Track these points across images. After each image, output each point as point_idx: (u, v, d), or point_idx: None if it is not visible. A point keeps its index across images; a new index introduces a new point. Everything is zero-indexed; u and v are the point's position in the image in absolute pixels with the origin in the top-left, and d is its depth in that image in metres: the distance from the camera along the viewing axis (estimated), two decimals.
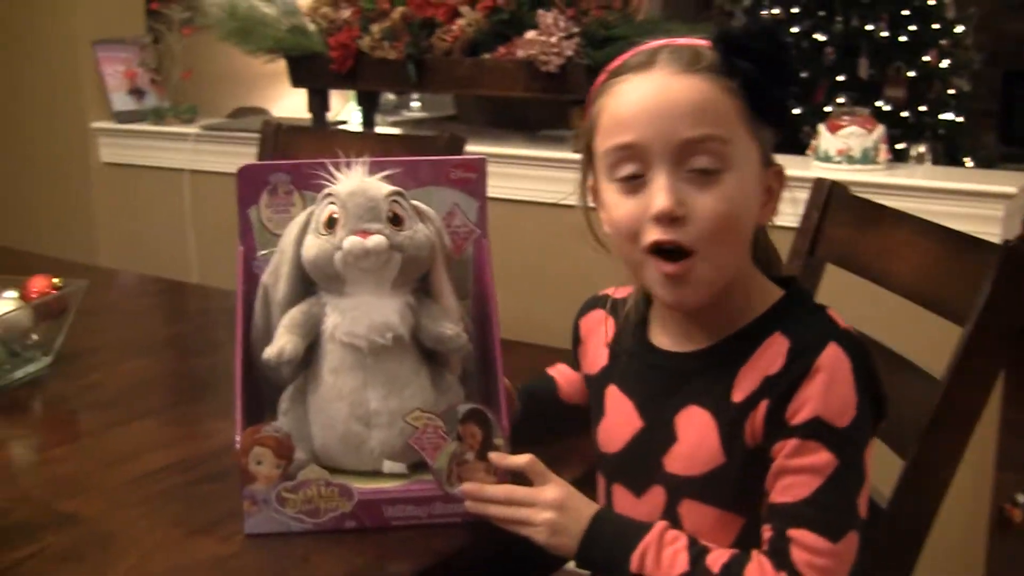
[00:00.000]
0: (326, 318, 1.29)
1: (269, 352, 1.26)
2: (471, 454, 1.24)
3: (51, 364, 1.77)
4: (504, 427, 1.26)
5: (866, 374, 1.08)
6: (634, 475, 1.21)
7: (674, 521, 1.15)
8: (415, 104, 4.69)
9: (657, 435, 1.18)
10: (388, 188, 1.28)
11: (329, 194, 1.28)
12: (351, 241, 1.24)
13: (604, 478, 1.26)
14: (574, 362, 1.36)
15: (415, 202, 1.31)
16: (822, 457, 1.06)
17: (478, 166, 1.37)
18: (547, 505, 1.17)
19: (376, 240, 1.24)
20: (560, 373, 1.42)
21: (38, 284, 1.79)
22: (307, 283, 1.31)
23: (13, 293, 1.76)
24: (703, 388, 1.14)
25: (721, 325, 1.15)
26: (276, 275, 1.32)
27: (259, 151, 2.26)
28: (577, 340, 1.34)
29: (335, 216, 1.26)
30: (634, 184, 1.10)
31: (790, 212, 1.24)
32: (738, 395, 1.11)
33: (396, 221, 1.27)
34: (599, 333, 1.30)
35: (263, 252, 1.37)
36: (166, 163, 3.34)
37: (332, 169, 1.32)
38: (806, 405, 1.06)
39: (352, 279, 1.26)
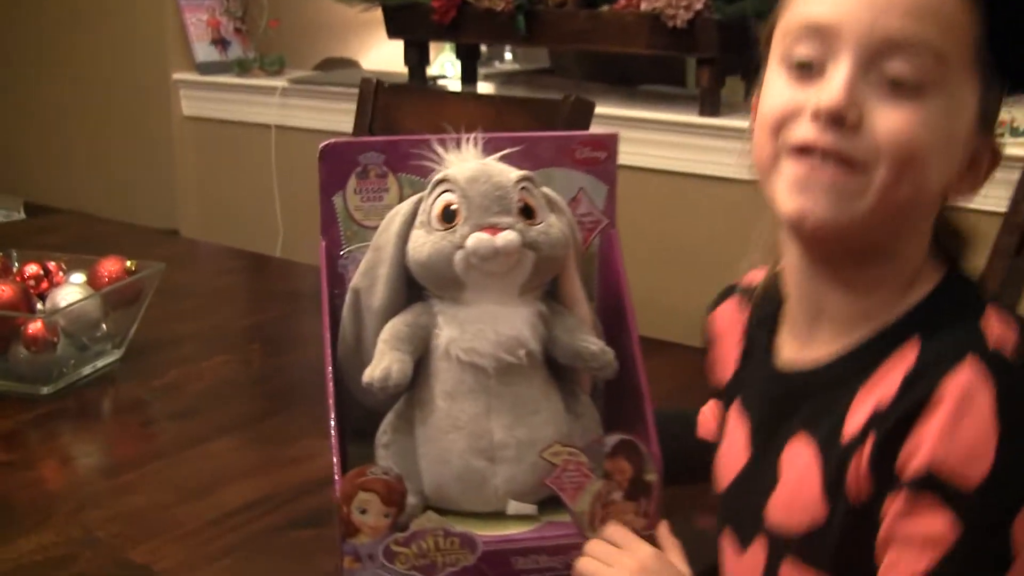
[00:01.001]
0: (438, 331, 1.05)
1: (372, 375, 1.03)
2: (619, 493, 1.02)
3: (122, 358, 1.61)
4: (656, 458, 1.04)
5: (1021, 410, 0.78)
6: (739, 522, 0.99)
7: None
8: (507, 56, 4.26)
9: (762, 473, 0.95)
10: (517, 173, 1.05)
11: (444, 180, 1.04)
12: (477, 239, 1.00)
13: (718, 523, 1.04)
14: (709, 371, 1.13)
15: (546, 189, 1.08)
16: (938, 523, 0.79)
17: (609, 144, 1.14)
18: (626, 568, 0.97)
19: (508, 237, 1.00)
20: (708, 407, 1.18)
21: (110, 267, 1.59)
22: (411, 287, 1.07)
23: (80, 277, 1.59)
24: (816, 413, 0.90)
25: (856, 320, 0.89)
26: (371, 277, 1.08)
27: (356, 113, 1.99)
28: (710, 340, 1.11)
29: (453, 207, 1.02)
30: (807, 73, 0.85)
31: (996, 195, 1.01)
32: (850, 427, 0.85)
33: (527, 213, 1.03)
34: (735, 330, 1.07)
35: (350, 248, 1.13)
36: (251, 118, 3.13)
37: (437, 147, 1.08)
38: (920, 449, 0.79)
39: (474, 284, 1.03)
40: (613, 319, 1.14)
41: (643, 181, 2.35)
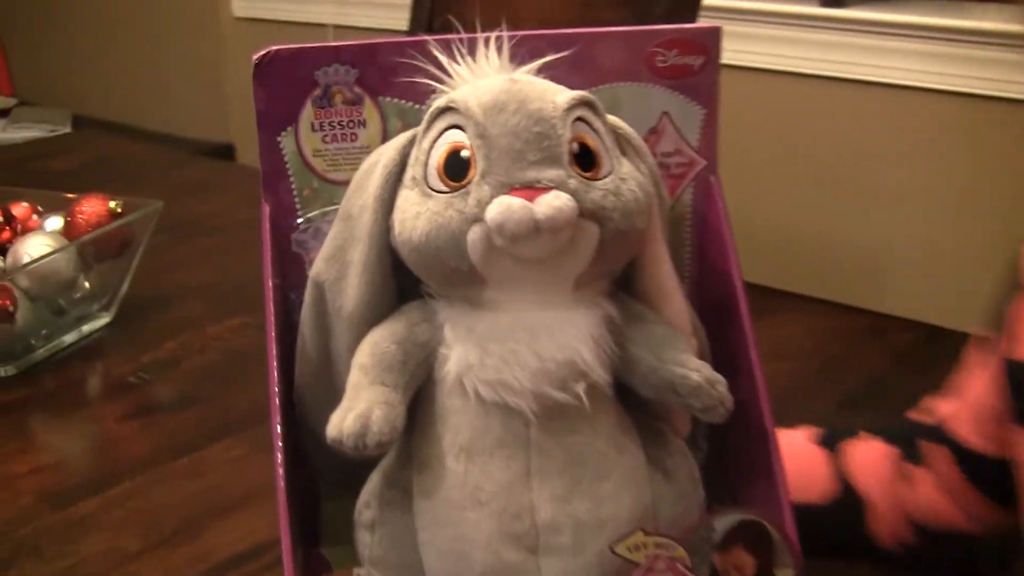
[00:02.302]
0: (446, 351, 0.66)
1: (340, 427, 0.64)
2: None
3: (113, 323, 1.31)
4: (794, 548, 0.65)
5: None
6: None
7: None
8: None
9: None
10: (567, 95, 0.64)
11: (449, 108, 0.64)
12: (505, 206, 0.60)
13: None
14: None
15: (615, 120, 0.67)
16: None
17: (708, 43, 0.73)
18: None
19: (555, 203, 0.60)
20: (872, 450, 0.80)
21: (89, 209, 1.27)
22: (402, 278, 0.67)
23: (58, 222, 1.29)
24: None
25: None
26: (341, 264, 0.68)
27: (412, 6, 1.63)
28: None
29: (465, 154, 0.62)
30: None
31: None
32: None
33: (586, 161, 0.63)
34: None
35: (308, 214, 0.73)
36: (307, 16, 2.81)
37: (439, 53, 0.68)
38: None
39: (501, 278, 0.63)
40: (714, 310, 0.74)
41: (748, 83, 1.90)
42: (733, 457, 0.73)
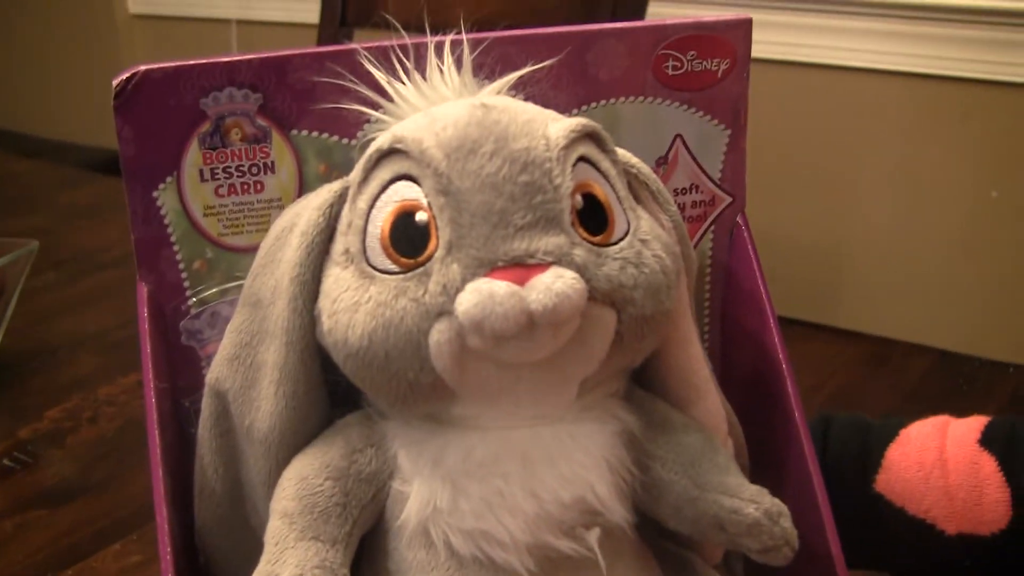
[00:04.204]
0: (400, 485, 0.47)
1: None
2: None
3: None
4: None
5: None
6: None
7: None
8: None
9: None
10: (563, 124, 0.45)
11: (395, 150, 0.44)
12: (483, 294, 0.41)
13: None
14: None
15: (626, 155, 0.48)
16: None
17: (735, 39, 0.54)
18: None
19: (560, 287, 0.41)
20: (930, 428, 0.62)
21: None
22: (334, 379, 0.48)
23: None
24: None
25: None
26: (248, 367, 0.49)
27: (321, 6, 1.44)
28: None
29: (421, 218, 0.43)
30: None
31: None
32: None
33: (596, 220, 0.44)
34: None
35: (201, 294, 0.53)
36: (209, 12, 2.64)
37: (372, 67, 0.48)
38: None
39: (478, 390, 0.44)
40: (746, 392, 0.56)
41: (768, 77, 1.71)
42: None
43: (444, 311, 0.42)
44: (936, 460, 0.60)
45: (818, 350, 1.09)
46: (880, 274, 1.31)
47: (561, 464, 0.46)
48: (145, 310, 0.52)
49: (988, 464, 0.60)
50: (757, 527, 0.47)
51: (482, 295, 0.41)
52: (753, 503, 0.47)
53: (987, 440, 0.61)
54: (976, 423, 0.63)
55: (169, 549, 0.50)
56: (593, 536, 0.46)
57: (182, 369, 0.54)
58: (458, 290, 0.42)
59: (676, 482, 0.48)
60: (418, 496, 0.46)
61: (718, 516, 0.48)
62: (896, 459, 0.61)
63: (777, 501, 0.48)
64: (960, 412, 0.67)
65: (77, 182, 1.80)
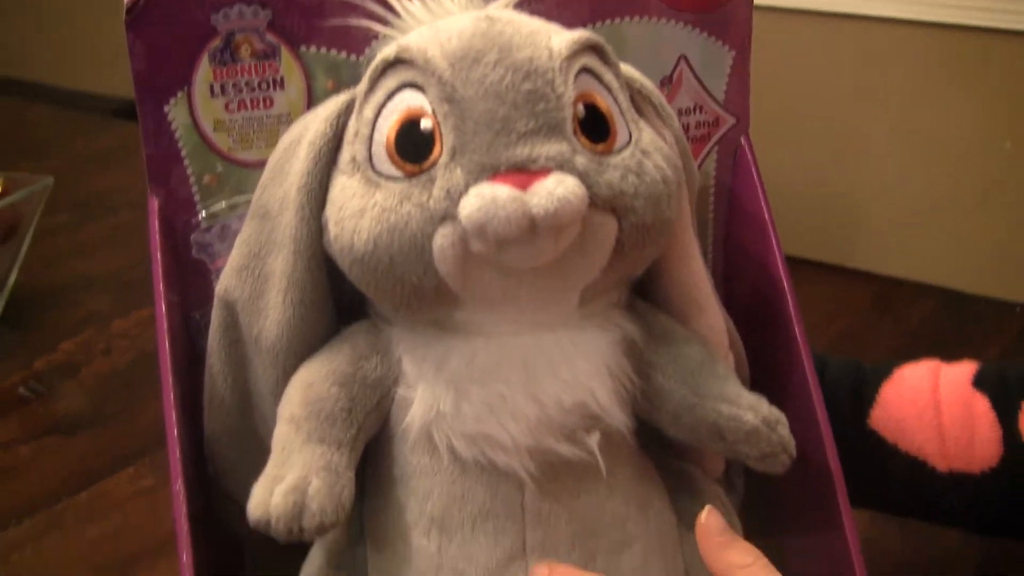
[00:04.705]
0: (404, 393, 0.48)
1: (266, 505, 0.45)
2: None
3: (1, 320, 1.11)
4: None
5: None
6: None
7: None
8: None
9: None
10: (567, 36, 0.45)
11: (400, 60, 0.45)
12: (487, 199, 0.41)
13: None
14: None
15: (629, 71, 0.49)
16: None
17: None
18: None
19: (561, 192, 0.42)
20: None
21: None
22: (341, 291, 0.49)
23: None
24: None
25: None
26: (256, 276, 0.50)
27: None
28: None
29: (425, 125, 0.43)
30: None
31: None
32: None
33: (598, 129, 0.44)
34: None
35: (212, 209, 0.54)
36: None
37: None
38: None
39: (481, 294, 0.45)
40: (748, 311, 0.56)
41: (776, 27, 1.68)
42: (781, 498, 0.56)
43: (448, 216, 0.43)
44: (929, 399, 0.61)
45: (824, 290, 1.10)
46: (888, 216, 1.30)
47: (562, 369, 0.47)
48: (156, 223, 0.53)
49: (980, 404, 0.61)
50: (755, 434, 0.48)
51: (485, 199, 0.42)
52: (751, 410, 0.48)
53: (979, 382, 0.62)
54: (968, 367, 0.64)
55: (179, 457, 0.51)
56: (593, 440, 0.47)
57: (192, 283, 0.55)
58: (461, 195, 0.43)
59: (676, 390, 0.49)
60: (422, 401, 0.47)
61: (716, 423, 0.49)
62: (890, 396, 0.62)
63: (775, 409, 0.49)
64: (966, 351, 0.68)
65: (92, 129, 1.81)
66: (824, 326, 1.04)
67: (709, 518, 0.47)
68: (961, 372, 0.62)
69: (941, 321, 1.07)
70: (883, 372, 0.63)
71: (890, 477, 0.61)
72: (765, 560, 0.45)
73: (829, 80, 1.54)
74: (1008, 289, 1.08)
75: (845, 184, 1.35)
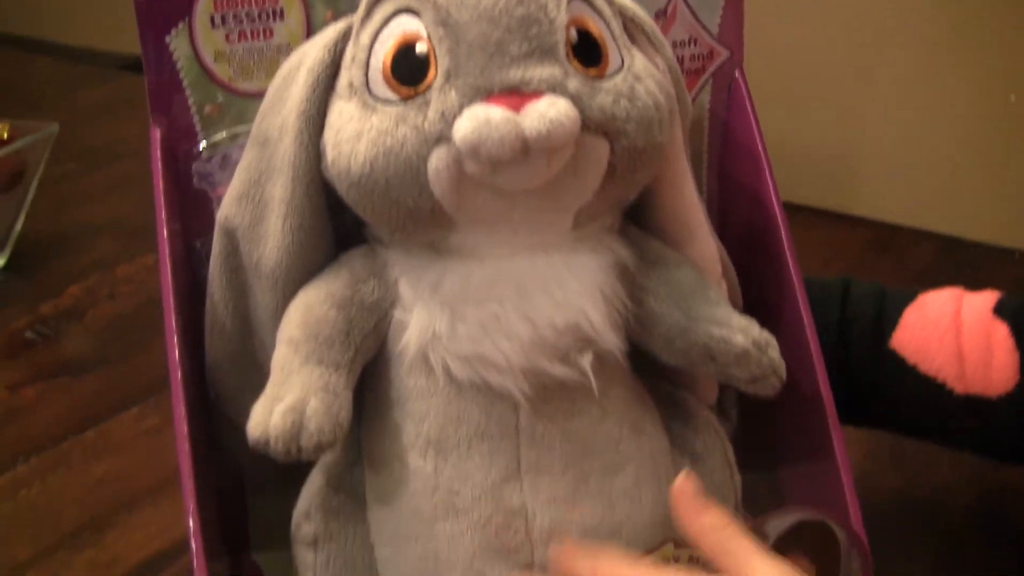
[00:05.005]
0: (401, 314, 0.49)
1: (265, 425, 0.46)
2: None
3: (4, 267, 1.12)
4: (863, 546, 0.49)
5: None
6: None
7: None
8: None
9: None
10: None
11: None
12: (481, 120, 0.42)
13: None
14: None
15: (624, 1, 0.50)
16: None
17: None
18: None
19: (554, 114, 0.42)
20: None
21: None
22: (339, 218, 0.50)
23: None
24: None
25: None
26: (256, 203, 0.51)
27: None
28: None
29: (420, 49, 0.44)
30: None
31: None
32: None
33: (590, 54, 0.45)
34: None
35: (213, 138, 0.55)
36: None
37: None
38: None
39: (475, 216, 0.46)
40: (742, 243, 0.57)
41: None
42: (774, 429, 0.57)
43: (442, 137, 0.44)
44: (951, 323, 0.62)
45: (821, 236, 1.10)
46: (888, 164, 1.30)
47: (555, 291, 0.48)
48: (158, 153, 0.54)
49: (1000, 330, 0.62)
50: (745, 356, 0.49)
51: (478, 120, 0.43)
52: (742, 332, 0.49)
53: (1000, 310, 0.63)
54: (990, 295, 0.64)
55: (180, 381, 0.52)
56: (586, 360, 0.48)
57: (194, 212, 0.56)
58: (456, 116, 0.44)
59: (668, 314, 0.50)
60: (418, 322, 0.48)
61: (708, 345, 0.50)
62: (912, 320, 0.63)
63: (765, 332, 0.50)
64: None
65: (96, 81, 1.81)
66: (820, 270, 1.04)
67: (685, 482, 0.47)
68: (983, 300, 0.63)
69: (939, 266, 1.08)
70: (907, 296, 0.64)
71: (908, 398, 0.62)
72: (738, 524, 0.46)
73: (832, 28, 1.53)
74: (1007, 236, 1.08)
75: (844, 132, 1.35)
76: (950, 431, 0.64)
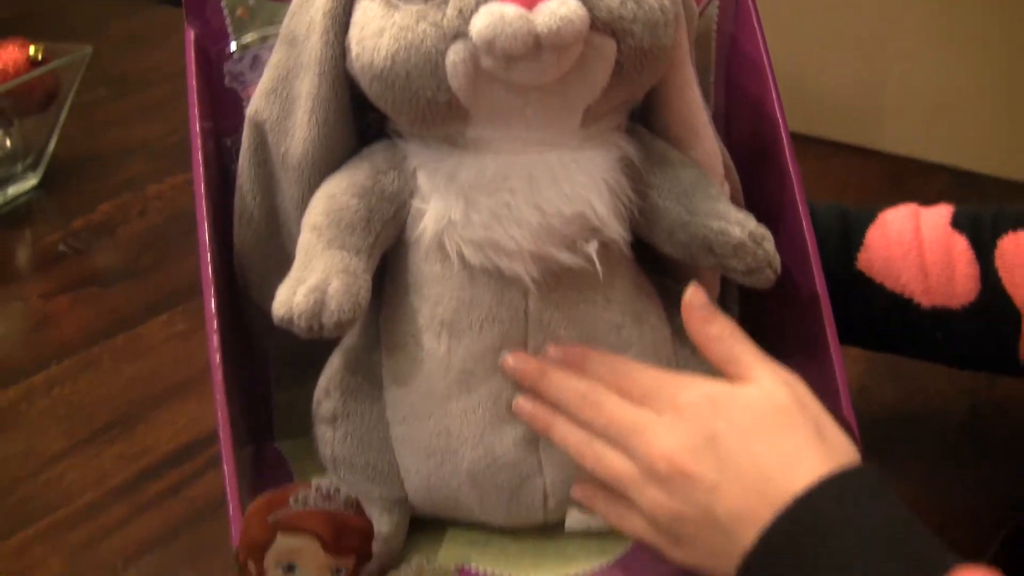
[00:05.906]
0: (419, 205, 0.52)
1: (289, 304, 0.50)
2: None
3: (38, 185, 1.14)
4: (854, 435, 0.53)
5: None
6: None
7: None
8: None
9: None
10: None
11: None
12: (496, 16, 0.45)
13: None
14: None
15: None
16: None
17: None
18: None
19: (564, 12, 0.45)
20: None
21: (6, 55, 1.10)
22: (362, 114, 0.53)
23: None
24: None
25: None
26: (285, 100, 0.53)
27: None
28: None
29: None
30: None
31: None
32: None
33: None
34: None
35: (244, 40, 0.58)
36: None
37: None
38: None
39: (489, 111, 0.49)
40: (747, 150, 0.60)
41: None
42: (773, 325, 0.60)
43: (460, 33, 0.47)
44: (912, 240, 0.65)
45: (836, 166, 1.12)
46: (904, 97, 1.32)
47: (564, 183, 0.51)
48: (192, 52, 0.57)
49: (959, 243, 0.64)
50: (742, 248, 0.52)
51: (493, 16, 0.46)
52: (739, 225, 0.52)
53: (957, 223, 0.65)
54: (945, 209, 0.67)
55: (211, 276, 0.55)
56: (592, 247, 0.51)
57: (225, 110, 0.59)
58: (473, 13, 0.46)
59: (670, 209, 0.53)
60: (434, 209, 0.51)
61: (707, 238, 0.53)
62: (875, 239, 0.66)
63: (761, 226, 0.53)
64: None
65: (127, 12, 1.83)
66: (834, 200, 1.07)
67: (694, 295, 0.51)
68: (939, 214, 0.66)
69: (951, 198, 1.09)
70: (867, 217, 0.66)
71: (877, 315, 0.65)
72: (741, 332, 0.49)
73: None
74: (1020, 169, 1.10)
75: (865, 66, 1.36)
76: (919, 343, 0.66)
